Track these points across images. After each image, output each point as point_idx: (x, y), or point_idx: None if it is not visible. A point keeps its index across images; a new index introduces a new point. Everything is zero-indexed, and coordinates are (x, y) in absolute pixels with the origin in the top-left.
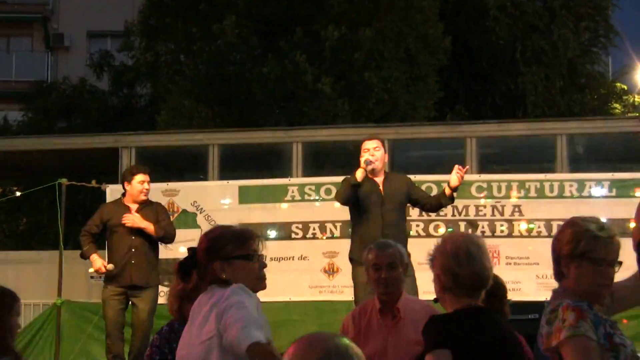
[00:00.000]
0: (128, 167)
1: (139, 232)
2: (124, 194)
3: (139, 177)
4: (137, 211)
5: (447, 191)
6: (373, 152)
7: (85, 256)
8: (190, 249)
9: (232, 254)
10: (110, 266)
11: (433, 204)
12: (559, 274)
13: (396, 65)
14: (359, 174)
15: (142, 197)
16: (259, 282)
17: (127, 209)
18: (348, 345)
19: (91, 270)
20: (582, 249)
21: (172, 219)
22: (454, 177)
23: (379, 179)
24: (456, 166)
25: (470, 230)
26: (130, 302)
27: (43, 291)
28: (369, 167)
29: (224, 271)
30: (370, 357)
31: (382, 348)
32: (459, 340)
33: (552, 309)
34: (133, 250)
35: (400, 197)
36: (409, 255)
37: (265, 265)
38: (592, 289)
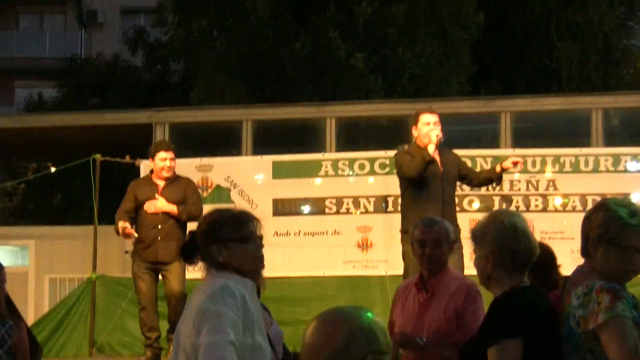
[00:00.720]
0: (153, 143)
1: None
2: (152, 171)
3: (161, 155)
4: (165, 187)
5: (498, 169)
6: (433, 127)
7: (116, 227)
8: (190, 233)
9: (228, 237)
10: (133, 233)
11: (482, 180)
12: (585, 252)
13: (429, 40)
14: (432, 149)
15: (165, 175)
16: (256, 264)
17: (155, 186)
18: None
19: (120, 231)
20: (610, 235)
21: (205, 195)
22: (508, 162)
23: (435, 154)
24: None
25: (504, 205)
26: (160, 276)
27: (78, 266)
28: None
29: (220, 254)
30: (400, 329)
31: (411, 321)
32: (531, 327)
33: (585, 292)
34: (159, 227)
35: (454, 172)
36: (459, 230)
37: (262, 246)
38: (618, 274)
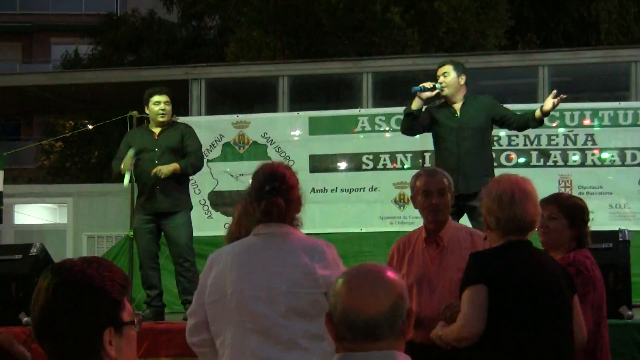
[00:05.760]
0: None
1: (163, 156)
2: (147, 119)
3: (155, 99)
4: (161, 134)
5: (538, 114)
6: (438, 80)
7: (117, 171)
8: (274, 186)
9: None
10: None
11: (520, 123)
12: None
13: None
14: (414, 103)
15: (160, 119)
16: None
17: (151, 134)
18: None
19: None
20: None
21: (242, 151)
22: (548, 101)
23: (457, 105)
24: (554, 91)
25: (542, 160)
26: (162, 233)
27: (115, 223)
28: (423, 95)
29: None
30: (413, 284)
31: (424, 275)
32: (495, 276)
33: None
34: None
35: (478, 121)
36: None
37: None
38: None
